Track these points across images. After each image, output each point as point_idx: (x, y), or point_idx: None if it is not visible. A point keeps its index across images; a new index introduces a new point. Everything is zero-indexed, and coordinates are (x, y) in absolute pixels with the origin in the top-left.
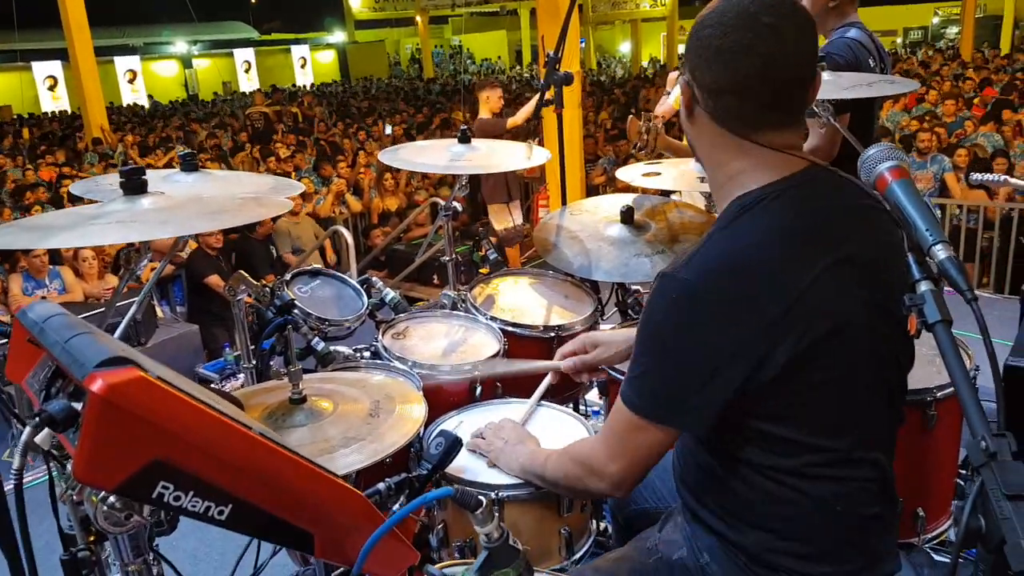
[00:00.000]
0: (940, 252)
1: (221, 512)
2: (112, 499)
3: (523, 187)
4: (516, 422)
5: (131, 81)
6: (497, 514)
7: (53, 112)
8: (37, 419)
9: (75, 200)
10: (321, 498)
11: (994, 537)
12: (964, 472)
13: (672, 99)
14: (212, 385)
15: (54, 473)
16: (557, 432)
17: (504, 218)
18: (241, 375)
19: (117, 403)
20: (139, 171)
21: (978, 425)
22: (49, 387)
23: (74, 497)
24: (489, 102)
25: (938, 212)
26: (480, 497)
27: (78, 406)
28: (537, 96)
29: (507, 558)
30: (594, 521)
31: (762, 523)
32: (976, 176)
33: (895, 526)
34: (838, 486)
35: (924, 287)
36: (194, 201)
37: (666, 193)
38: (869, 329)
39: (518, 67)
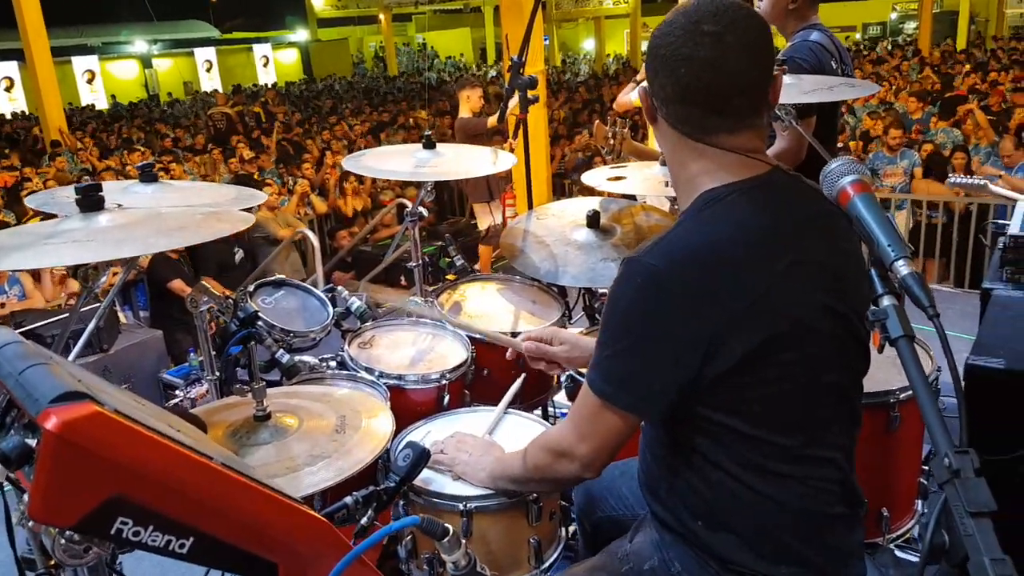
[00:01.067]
0: (902, 268)
1: (182, 546)
2: (70, 532)
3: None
4: (476, 436)
5: (90, 81)
6: (464, 541)
7: (12, 113)
8: None
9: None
10: (285, 527)
11: (958, 553)
12: (927, 469)
13: (634, 95)
14: (177, 392)
15: (10, 495)
16: (524, 440)
17: (486, 217)
18: (206, 383)
19: (72, 440)
20: (95, 188)
21: (941, 442)
22: (4, 416)
23: (31, 526)
24: (470, 101)
25: (907, 206)
26: (447, 525)
27: (32, 442)
28: (508, 98)
29: None
30: (563, 528)
31: (725, 523)
32: (953, 179)
33: (860, 527)
34: (796, 485)
35: (887, 302)
36: (152, 218)
37: (631, 197)
38: (827, 331)
39: (484, 65)
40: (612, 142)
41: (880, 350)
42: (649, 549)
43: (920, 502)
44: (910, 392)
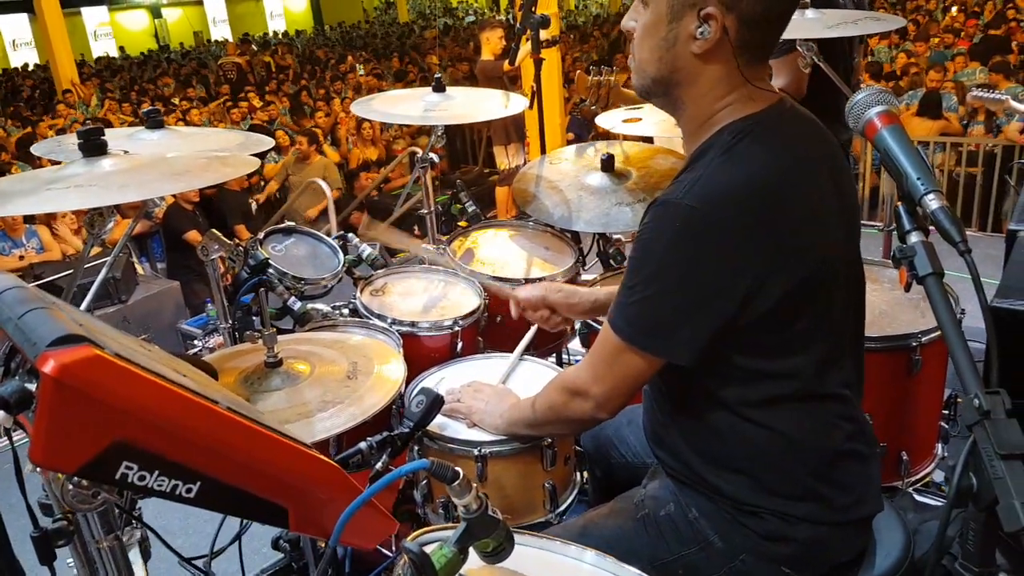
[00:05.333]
0: (932, 202)
1: (189, 490)
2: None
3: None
4: (492, 384)
5: (99, 33)
6: (475, 486)
7: (25, 65)
8: None
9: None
10: (294, 471)
11: (986, 496)
12: (947, 413)
13: None
14: (196, 342)
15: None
16: (540, 386)
17: (504, 159)
18: (221, 333)
19: (71, 384)
20: (97, 132)
21: (971, 382)
22: (8, 363)
23: (39, 472)
24: (490, 43)
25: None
26: (456, 469)
27: (32, 387)
28: (519, 38)
29: (487, 528)
30: (578, 473)
31: (736, 466)
32: (976, 93)
33: (876, 466)
34: (808, 421)
35: (915, 238)
36: (157, 162)
37: (647, 139)
38: (846, 269)
39: (496, 11)
40: (598, 92)
41: (907, 288)
42: (665, 496)
43: (940, 446)
44: (932, 335)
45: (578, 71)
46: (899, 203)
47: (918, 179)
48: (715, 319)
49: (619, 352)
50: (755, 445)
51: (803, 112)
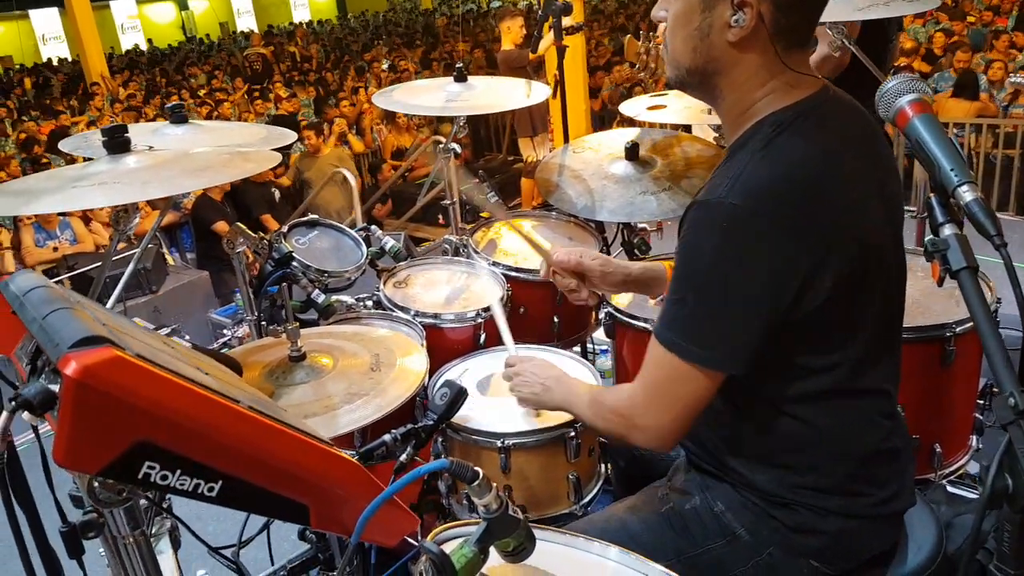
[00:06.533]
0: (966, 194)
1: (211, 489)
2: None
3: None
4: (546, 361)
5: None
6: (495, 485)
7: (52, 58)
8: (13, 403)
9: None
10: (315, 470)
11: (1022, 498)
12: (982, 404)
13: None
14: (225, 331)
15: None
16: None
17: (530, 151)
18: (247, 324)
19: (93, 385)
20: (121, 129)
21: (1006, 380)
22: (35, 360)
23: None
24: (511, 32)
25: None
26: (476, 469)
27: (55, 388)
28: (542, 25)
29: (507, 528)
30: (602, 464)
31: (772, 460)
32: (1013, 78)
33: (910, 463)
34: (847, 417)
35: (948, 231)
36: (179, 158)
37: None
38: (892, 259)
39: None
40: (646, 58)
41: (940, 283)
42: (691, 489)
43: (975, 438)
44: (967, 325)
45: (628, 36)
46: (932, 195)
47: (951, 170)
48: (771, 320)
49: (677, 375)
50: (793, 439)
51: (846, 99)
